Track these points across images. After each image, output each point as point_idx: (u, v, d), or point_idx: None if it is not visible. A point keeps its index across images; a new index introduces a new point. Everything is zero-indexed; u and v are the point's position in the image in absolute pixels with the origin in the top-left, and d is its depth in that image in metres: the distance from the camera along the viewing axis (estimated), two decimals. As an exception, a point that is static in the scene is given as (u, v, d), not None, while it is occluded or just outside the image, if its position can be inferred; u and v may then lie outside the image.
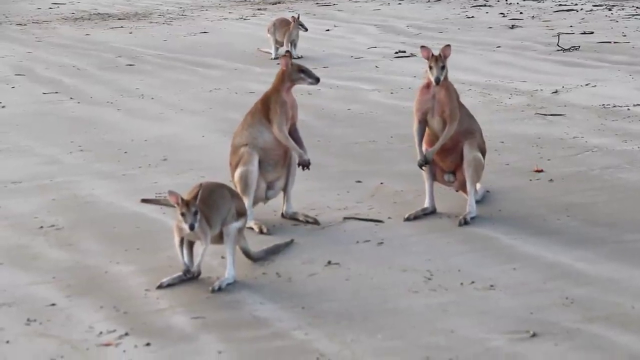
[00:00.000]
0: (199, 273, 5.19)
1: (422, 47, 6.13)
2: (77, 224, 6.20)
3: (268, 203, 6.24)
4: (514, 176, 7.03)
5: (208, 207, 5.07)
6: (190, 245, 5.16)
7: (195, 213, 4.93)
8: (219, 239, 5.19)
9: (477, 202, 6.24)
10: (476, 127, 6.23)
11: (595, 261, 5.36)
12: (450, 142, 6.12)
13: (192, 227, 4.93)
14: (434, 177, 6.27)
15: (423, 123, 6.14)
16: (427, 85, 6.11)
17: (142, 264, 5.48)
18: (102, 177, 7.31)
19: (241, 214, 5.27)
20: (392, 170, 7.15)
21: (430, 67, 6.04)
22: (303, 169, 6.13)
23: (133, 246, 5.78)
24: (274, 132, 6.00)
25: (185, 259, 5.15)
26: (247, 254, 5.44)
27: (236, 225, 5.21)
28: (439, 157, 6.19)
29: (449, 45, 6.09)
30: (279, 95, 6.07)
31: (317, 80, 6.21)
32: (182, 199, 4.92)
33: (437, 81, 6.01)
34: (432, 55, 6.04)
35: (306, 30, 13.06)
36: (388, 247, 5.68)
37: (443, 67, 6.02)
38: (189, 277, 5.16)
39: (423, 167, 6.16)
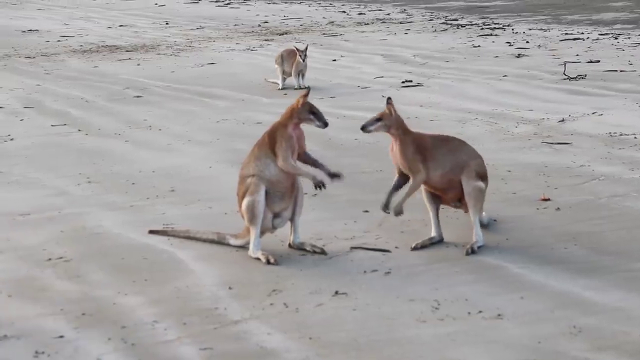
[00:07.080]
0: None
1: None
2: (85, 256, 6.21)
3: (275, 233, 6.25)
4: (520, 205, 7.03)
5: None
6: None
7: None
8: None
9: (484, 226, 6.24)
10: (466, 157, 6.16)
11: (603, 290, 5.36)
12: (444, 183, 6.14)
13: None
14: (438, 206, 6.27)
15: (401, 175, 6.18)
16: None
17: (150, 295, 5.49)
18: (110, 208, 7.32)
19: None
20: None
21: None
22: (320, 188, 6.08)
23: (141, 277, 5.78)
24: (280, 166, 6.00)
25: None
26: None
27: None
28: (440, 193, 6.22)
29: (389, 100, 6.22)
30: (285, 130, 6.07)
31: (325, 124, 6.16)
32: None
33: (361, 128, 6.20)
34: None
35: (303, 59, 12.85)
36: (395, 277, 5.68)
37: (377, 119, 6.17)
38: None
39: (386, 211, 6.19)
